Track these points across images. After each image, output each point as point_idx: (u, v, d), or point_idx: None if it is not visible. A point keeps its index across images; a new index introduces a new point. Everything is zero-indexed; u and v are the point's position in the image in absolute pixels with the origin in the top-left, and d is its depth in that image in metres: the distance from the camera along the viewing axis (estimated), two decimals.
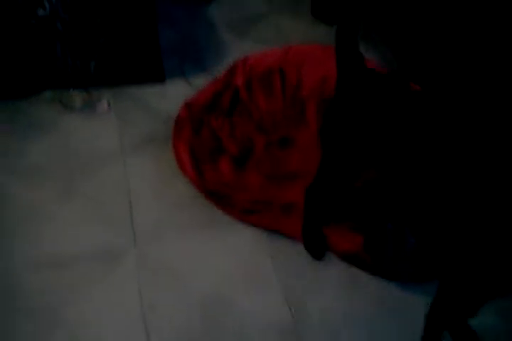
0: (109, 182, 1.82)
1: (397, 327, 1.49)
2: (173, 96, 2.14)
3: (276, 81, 2.06)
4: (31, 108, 2.05)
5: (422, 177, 1.20)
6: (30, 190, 1.79)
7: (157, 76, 2.20)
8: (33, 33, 1.92)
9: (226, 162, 1.82)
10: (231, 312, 1.52)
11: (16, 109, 2.04)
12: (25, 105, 2.06)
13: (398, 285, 1.57)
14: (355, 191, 1.58)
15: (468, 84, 1.84)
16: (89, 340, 1.45)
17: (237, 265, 1.64)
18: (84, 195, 1.78)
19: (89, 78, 2.11)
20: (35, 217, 1.72)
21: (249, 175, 1.79)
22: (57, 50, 1.99)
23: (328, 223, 1.66)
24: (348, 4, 2.48)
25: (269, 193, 1.75)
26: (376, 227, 1.60)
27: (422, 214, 1.23)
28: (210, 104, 1.98)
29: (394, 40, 2.33)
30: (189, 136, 1.86)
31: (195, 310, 1.52)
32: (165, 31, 2.33)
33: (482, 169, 1.08)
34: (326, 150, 1.44)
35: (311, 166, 1.72)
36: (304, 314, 1.52)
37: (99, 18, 1.95)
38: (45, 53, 2.00)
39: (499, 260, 1.04)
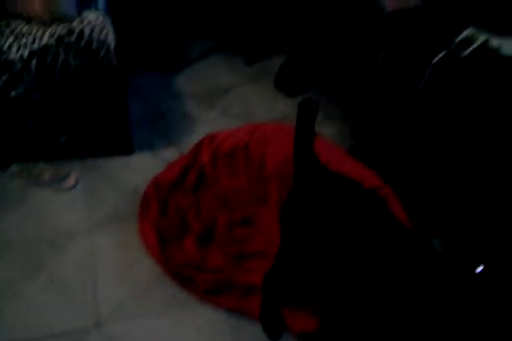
0: (75, 260, 1.86)
1: None
2: (140, 168, 2.22)
3: (240, 159, 2.15)
4: None
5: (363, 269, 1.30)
6: None
7: (125, 148, 2.27)
8: (4, 113, 1.97)
9: (190, 240, 1.88)
10: None
11: None
12: None
13: None
14: (313, 275, 1.67)
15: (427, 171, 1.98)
16: None
17: None
18: (50, 273, 1.81)
19: (58, 151, 2.16)
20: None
21: (212, 254, 1.85)
22: (28, 126, 2.05)
23: (287, 304, 1.72)
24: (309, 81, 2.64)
25: (231, 273, 1.81)
26: (331, 309, 1.68)
27: (370, 301, 1.33)
28: (176, 182, 2.06)
29: (352, 118, 2.48)
30: (155, 215, 1.92)
31: None
32: (133, 102, 2.43)
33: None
34: (284, 235, 1.52)
35: (273, 246, 1.81)
36: None
37: (71, 95, 2.02)
38: (15, 128, 2.05)
39: None
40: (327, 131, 2.45)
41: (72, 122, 2.10)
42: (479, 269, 1.02)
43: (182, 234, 1.91)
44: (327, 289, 1.71)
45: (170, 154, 2.28)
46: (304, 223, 1.42)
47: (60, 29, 1.87)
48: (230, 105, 2.63)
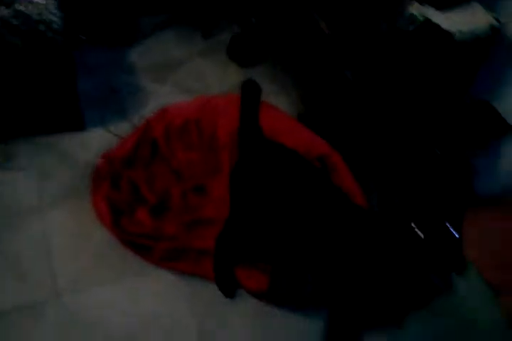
0: (30, 237, 1.87)
1: None
2: (93, 144, 2.21)
3: (193, 132, 2.17)
4: None
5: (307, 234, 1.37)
6: None
7: (76, 124, 2.26)
8: None
9: (144, 212, 1.91)
10: None
11: None
12: None
13: (300, 313, 1.75)
14: (260, 237, 1.74)
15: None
16: None
17: (158, 309, 1.75)
18: (5, 252, 1.82)
19: (7, 130, 2.14)
20: None
21: (166, 223, 1.89)
22: None
23: (238, 264, 1.79)
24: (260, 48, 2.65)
25: (185, 240, 1.86)
26: (280, 268, 1.76)
27: (315, 256, 1.40)
28: (129, 156, 2.07)
29: (301, 84, 2.51)
30: (108, 189, 1.94)
31: None
32: (83, 78, 2.41)
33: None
34: (233, 202, 1.57)
35: (224, 213, 1.86)
36: None
37: (19, 74, 1.99)
38: None
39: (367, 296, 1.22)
40: (281, 101, 2.48)
41: (20, 100, 2.08)
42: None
43: (135, 205, 1.93)
44: (275, 250, 1.78)
45: (123, 129, 2.28)
46: (249, 191, 1.48)
47: (3, 10, 1.84)
48: (182, 78, 2.62)
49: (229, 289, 1.79)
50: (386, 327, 1.63)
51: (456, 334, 1.75)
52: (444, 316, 1.76)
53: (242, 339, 1.70)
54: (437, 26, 1.71)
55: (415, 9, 1.78)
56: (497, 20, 1.73)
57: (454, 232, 1.03)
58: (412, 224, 1.07)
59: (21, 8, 1.85)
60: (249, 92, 1.45)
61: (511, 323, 1.76)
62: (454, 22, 1.73)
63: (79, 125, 2.26)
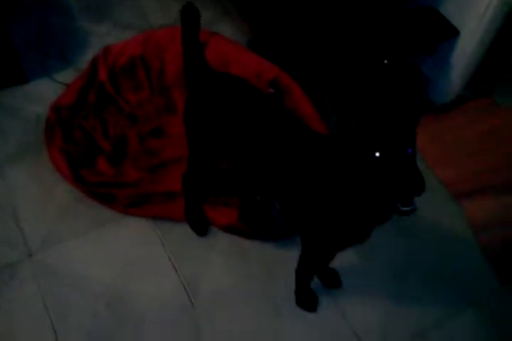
0: None
1: (283, 282, 1.69)
2: (39, 96, 2.13)
3: (140, 71, 2.09)
4: None
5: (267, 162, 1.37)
6: None
7: (18, 77, 2.16)
8: None
9: (103, 160, 1.89)
10: (133, 302, 1.66)
11: None
12: None
13: (274, 243, 1.80)
14: (224, 172, 1.74)
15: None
16: None
17: (131, 255, 1.76)
18: None
19: None
20: None
21: (127, 170, 1.88)
22: None
23: (206, 201, 1.81)
24: None
25: (149, 184, 1.85)
26: (247, 200, 1.78)
27: (279, 187, 1.41)
28: (76, 103, 2.00)
29: (250, 12, 2.40)
30: (61, 140, 1.89)
31: (100, 307, 1.65)
32: (16, 26, 2.28)
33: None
34: (189, 140, 1.56)
35: (185, 152, 1.84)
36: (197, 289, 1.70)
37: None
38: None
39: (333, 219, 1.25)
40: (226, 28, 2.38)
41: None
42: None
43: (92, 155, 1.90)
44: (239, 182, 1.80)
45: (67, 76, 2.19)
46: (204, 126, 1.45)
47: None
48: (122, 15, 2.48)
49: (201, 227, 1.81)
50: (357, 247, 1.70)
51: (426, 249, 1.82)
52: (412, 234, 1.84)
53: (223, 276, 1.73)
54: None
55: None
56: None
57: (408, 149, 1.03)
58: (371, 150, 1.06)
59: None
60: (189, 18, 1.37)
61: (475, 232, 1.84)
62: None
63: (21, 77, 2.16)
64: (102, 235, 1.79)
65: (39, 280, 1.68)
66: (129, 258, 1.75)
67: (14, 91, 2.14)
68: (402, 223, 1.76)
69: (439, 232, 1.86)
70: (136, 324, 1.63)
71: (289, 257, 1.69)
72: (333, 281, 1.72)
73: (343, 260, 1.70)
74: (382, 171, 1.05)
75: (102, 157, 1.89)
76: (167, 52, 2.12)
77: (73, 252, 1.75)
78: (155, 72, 2.10)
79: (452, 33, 1.73)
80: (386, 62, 1.78)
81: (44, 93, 2.13)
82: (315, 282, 1.68)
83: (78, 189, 1.84)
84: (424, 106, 1.99)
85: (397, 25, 1.76)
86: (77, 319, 1.62)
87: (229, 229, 1.80)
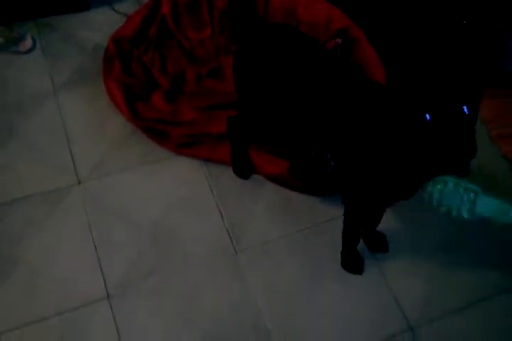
0: (46, 123, 1.85)
1: (328, 241, 1.67)
2: (99, 24, 2.11)
3: (203, 8, 2.03)
4: None
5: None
6: None
7: (81, 4, 2.12)
8: None
9: (159, 96, 1.86)
10: (177, 238, 1.68)
11: None
12: None
13: (321, 199, 1.76)
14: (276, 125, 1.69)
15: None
16: (46, 274, 1.58)
17: (178, 194, 1.76)
18: (22, 139, 1.82)
19: (10, 12, 2.02)
20: None
21: (182, 109, 1.85)
22: None
23: (254, 148, 1.77)
24: None
25: (203, 125, 1.82)
26: (300, 154, 1.73)
27: (333, 144, 1.36)
28: (137, 36, 1.96)
29: None
30: (119, 72, 1.87)
31: (144, 240, 1.67)
32: None
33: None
34: (238, 90, 1.49)
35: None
36: (241, 236, 1.69)
37: None
38: None
39: (383, 177, 1.21)
40: None
41: None
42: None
43: (149, 90, 1.88)
44: (290, 133, 1.74)
45: (128, 7, 2.15)
46: (251, 78, 1.38)
47: None
48: None
49: (244, 171, 1.78)
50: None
51: (483, 226, 1.71)
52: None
53: (267, 226, 1.71)
54: None
55: None
56: None
57: (466, 109, 0.95)
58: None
59: None
60: None
61: None
62: None
63: (83, 4, 2.13)
64: (150, 170, 1.79)
65: (86, 208, 1.70)
66: (176, 196, 1.75)
67: (75, 18, 2.12)
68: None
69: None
70: (178, 261, 1.64)
71: (335, 215, 1.68)
72: (380, 245, 1.67)
73: (394, 227, 1.68)
74: (433, 135, 0.99)
75: (159, 93, 1.87)
76: None
77: (122, 185, 1.76)
78: (218, 10, 2.04)
79: None
80: (464, 22, 1.68)
81: (104, 22, 2.10)
82: (361, 245, 1.65)
83: (132, 123, 1.83)
84: (498, 77, 1.88)
85: None
86: (120, 247, 1.65)
87: (276, 179, 1.77)
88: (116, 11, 2.14)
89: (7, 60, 1.99)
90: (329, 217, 1.72)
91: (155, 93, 1.87)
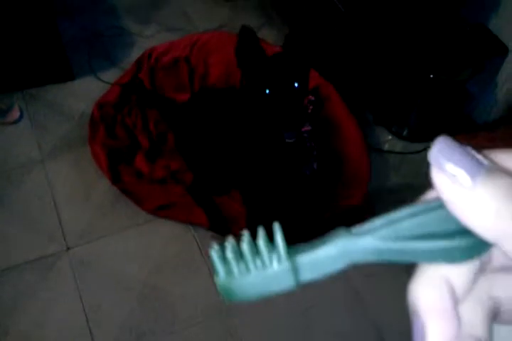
0: (34, 191, 1.89)
1: None
2: (84, 93, 2.19)
3: (183, 72, 2.12)
4: None
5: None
6: None
7: (65, 74, 2.22)
8: None
9: (141, 157, 1.90)
10: (166, 299, 1.68)
11: None
12: None
13: None
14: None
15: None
16: None
17: (167, 255, 1.78)
18: (10, 206, 1.86)
19: None
20: None
21: (156, 169, 1.88)
22: None
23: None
24: None
25: (174, 186, 1.85)
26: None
27: None
28: (120, 100, 2.04)
29: (290, 16, 2.43)
30: (104, 136, 1.93)
31: (133, 302, 1.67)
32: (64, 23, 2.34)
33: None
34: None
35: None
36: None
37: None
38: None
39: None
40: (269, 35, 2.41)
41: (4, 52, 2.03)
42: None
43: (133, 152, 1.94)
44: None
45: (112, 75, 2.24)
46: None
47: None
48: (168, 18, 2.54)
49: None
50: None
51: None
52: None
53: None
54: None
55: None
56: None
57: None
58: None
59: None
60: (247, 39, 1.41)
61: None
62: None
63: (68, 74, 2.22)
64: (140, 234, 1.81)
65: (75, 274, 1.71)
66: (165, 256, 1.77)
67: (61, 88, 2.20)
68: None
69: None
70: (168, 322, 1.64)
71: None
72: None
73: None
74: (272, 103, 1.33)
75: (141, 154, 1.92)
76: (212, 55, 2.15)
77: (110, 249, 1.78)
78: (198, 74, 2.13)
79: (501, 50, 1.73)
80: (431, 76, 1.78)
81: (89, 91, 2.18)
82: None
83: (115, 186, 1.87)
84: (465, 124, 1.97)
85: (445, 41, 1.76)
86: (110, 311, 1.65)
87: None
88: (100, 79, 2.24)
89: None
90: None
91: (138, 154, 1.92)
